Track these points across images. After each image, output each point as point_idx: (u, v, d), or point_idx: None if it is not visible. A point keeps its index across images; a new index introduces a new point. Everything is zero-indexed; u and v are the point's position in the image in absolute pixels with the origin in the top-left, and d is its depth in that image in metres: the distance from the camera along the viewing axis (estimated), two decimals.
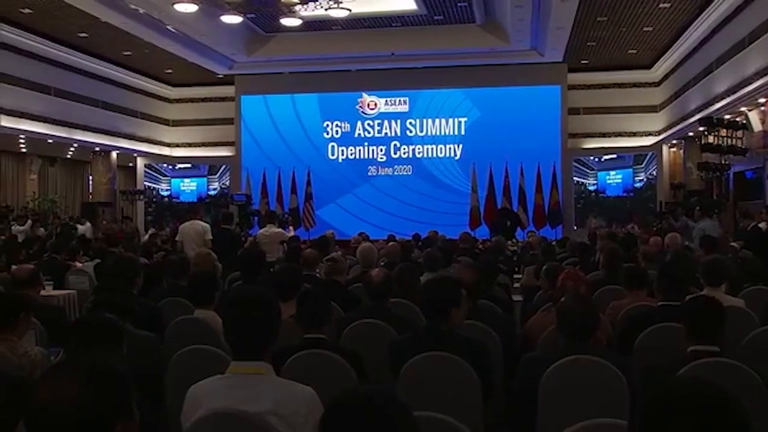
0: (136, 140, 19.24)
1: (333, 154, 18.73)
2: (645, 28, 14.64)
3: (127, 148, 18.96)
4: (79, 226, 14.80)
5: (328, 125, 18.74)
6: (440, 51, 16.58)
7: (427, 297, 3.36)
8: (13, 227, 13.98)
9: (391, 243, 8.46)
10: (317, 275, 5.82)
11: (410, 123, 18.51)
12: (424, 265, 5.65)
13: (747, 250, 8.25)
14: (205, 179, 19.62)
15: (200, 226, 8.75)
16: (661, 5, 13.11)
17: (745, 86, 12.08)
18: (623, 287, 4.76)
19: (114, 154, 18.72)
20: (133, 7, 12.96)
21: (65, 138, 16.58)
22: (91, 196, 19.89)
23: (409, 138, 18.50)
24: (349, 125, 18.66)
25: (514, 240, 12.90)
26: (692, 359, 2.86)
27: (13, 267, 5.43)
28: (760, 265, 5.73)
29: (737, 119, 13.15)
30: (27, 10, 13.34)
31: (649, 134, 18.35)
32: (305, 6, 12.16)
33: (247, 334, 2.28)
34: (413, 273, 4.92)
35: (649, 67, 17.95)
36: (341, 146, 18.71)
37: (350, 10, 12.56)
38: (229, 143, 19.62)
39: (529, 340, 3.96)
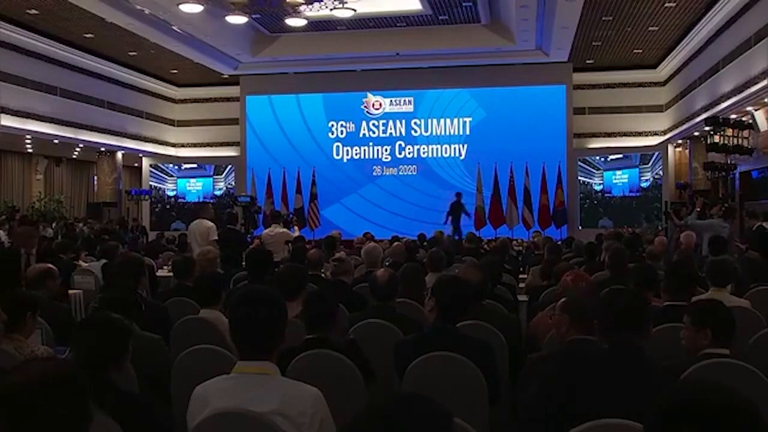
0: (142, 140, 19.30)
1: (338, 154, 18.73)
2: (650, 28, 14.60)
3: (133, 149, 19.03)
4: None
5: (333, 125, 18.74)
6: (445, 51, 16.57)
7: (447, 295, 3.28)
8: None
9: (396, 243, 8.46)
10: (322, 275, 5.82)
11: (415, 123, 18.50)
12: (429, 265, 5.65)
13: (753, 251, 8.21)
14: (211, 179, 19.67)
15: (205, 225, 8.77)
16: (666, 5, 13.07)
17: (752, 86, 12.05)
18: (632, 287, 4.74)
19: (119, 155, 18.80)
20: (138, 7, 13.00)
21: (71, 138, 16.63)
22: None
23: (413, 138, 18.49)
24: (354, 125, 18.66)
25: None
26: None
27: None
28: (766, 265, 5.70)
29: (743, 119, 13.10)
30: (33, 11, 13.39)
31: (655, 134, 18.31)
32: (310, 6, 12.16)
33: (253, 333, 2.27)
34: (418, 273, 4.92)
35: (654, 66, 17.90)
36: (346, 146, 18.71)
37: (355, 10, 12.56)
38: (234, 143, 19.66)
39: (535, 339, 3.95)
